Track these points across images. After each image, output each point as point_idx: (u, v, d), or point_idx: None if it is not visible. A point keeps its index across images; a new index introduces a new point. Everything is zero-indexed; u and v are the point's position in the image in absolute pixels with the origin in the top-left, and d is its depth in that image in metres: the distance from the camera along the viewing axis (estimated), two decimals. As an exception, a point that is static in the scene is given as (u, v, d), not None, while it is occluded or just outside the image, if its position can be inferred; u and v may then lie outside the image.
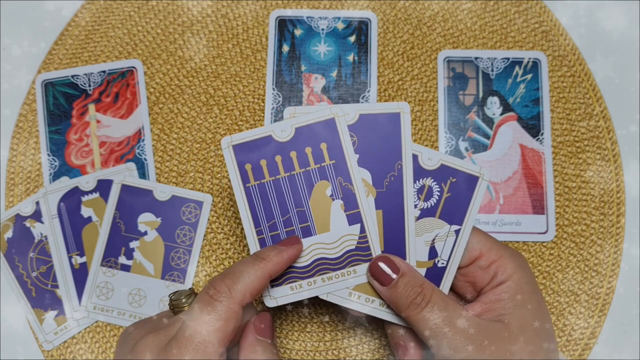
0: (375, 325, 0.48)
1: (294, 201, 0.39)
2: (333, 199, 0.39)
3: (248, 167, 0.39)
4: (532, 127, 0.51)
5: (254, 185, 0.39)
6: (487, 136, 0.51)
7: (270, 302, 0.39)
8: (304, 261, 0.39)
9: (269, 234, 0.39)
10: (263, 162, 0.39)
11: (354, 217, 0.39)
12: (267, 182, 0.39)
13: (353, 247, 0.39)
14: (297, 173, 0.39)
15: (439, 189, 0.39)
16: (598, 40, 0.53)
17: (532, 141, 0.51)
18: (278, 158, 0.39)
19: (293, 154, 0.39)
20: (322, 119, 0.39)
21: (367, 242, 0.39)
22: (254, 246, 0.39)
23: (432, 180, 0.39)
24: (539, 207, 0.50)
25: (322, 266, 0.39)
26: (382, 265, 0.38)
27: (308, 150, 0.39)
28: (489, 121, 0.51)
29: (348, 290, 0.39)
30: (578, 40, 0.53)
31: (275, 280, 0.38)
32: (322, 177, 0.39)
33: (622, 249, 0.50)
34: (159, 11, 0.53)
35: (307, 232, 0.39)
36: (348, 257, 0.39)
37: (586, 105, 0.52)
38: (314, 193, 0.39)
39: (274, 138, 0.39)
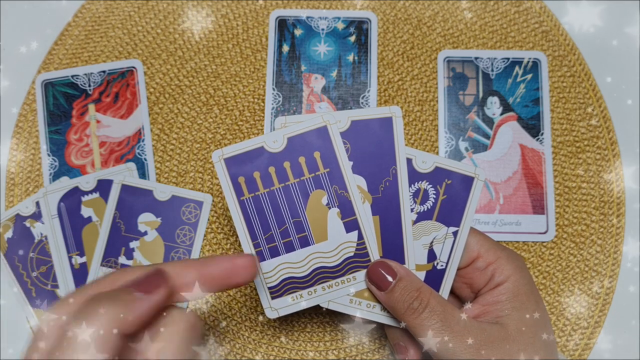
0: (375, 325, 0.48)
1: (290, 212, 0.38)
2: (329, 208, 0.38)
3: (241, 180, 0.38)
4: (532, 127, 0.51)
5: (249, 198, 0.38)
6: (487, 136, 0.51)
7: (271, 314, 0.38)
8: (303, 271, 0.38)
9: (267, 246, 0.38)
10: (256, 174, 0.38)
11: (351, 225, 0.38)
12: (261, 194, 0.38)
13: (352, 254, 0.38)
14: (291, 183, 0.38)
15: (434, 192, 0.39)
16: (598, 40, 0.53)
17: (532, 141, 0.51)
18: (271, 169, 0.38)
19: (287, 165, 0.38)
20: (314, 127, 0.38)
21: (365, 248, 0.38)
22: None
23: (427, 183, 0.39)
24: (539, 207, 0.50)
25: (322, 275, 0.38)
26: (379, 269, 0.37)
27: (302, 159, 0.38)
28: (489, 121, 0.51)
29: (349, 297, 0.39)
30: (578, 40, 0.53)
31: (276, 292, 0.38)
32: (317, 186, 0.38)
33: (622, 249, 0.50)
34: (159, 11, 0.53)
35: (305, 242, 0.38)
36: (347, 265, 0.38)
37: (586, 105, 0.52)
38: (310, 202, 0.38)
39: (266, 149, 0.38)
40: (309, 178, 0.38)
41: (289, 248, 0.38)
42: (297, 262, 0.38)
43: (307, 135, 0.38)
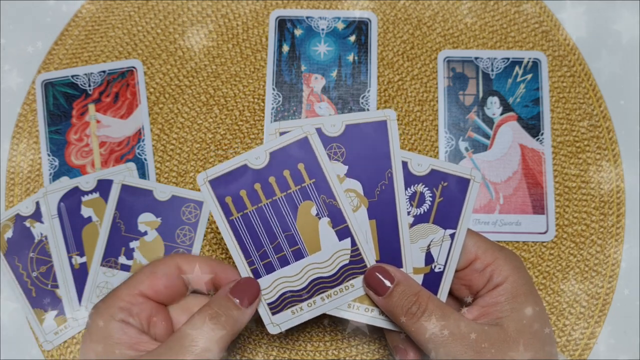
0: (376, 329, 0.48)
1: (280, 226, 0.38)
2: (319, 218, 0.38)
3: (228, 199, 0.38)
4: (532, 127, 0.51)
5: (238, 217, 0.38)
6: (487, 136, 0.51)
7: (273, 330, 0.38)
8: (300, 284, 0.38)
9: (261, 263, 0.38)
10: (243, 193, 0.38)
11: (343, 232, 0.38)
12: (250, 212, 0.38)
13: (347, 261, 0.38)
14: (279, 198, 0.38)
15: (430, 194, 0.39)
16: (598, 40, 0.53)
17: (532, 141, 0.51)
18: (257, 186, 0.38)
19: (272, 180, 0.38)
20: (295, 139, 0.38)
21: (360, 254, 0.38)
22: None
23: (424, 186, 0.39)
24: (539, 207, 0.50)
25: (319, 285, 0.38)
26: (377, 275, 0.37)
27: (286, 173, 0.38)
28: (489, 121, 0.51)
29: (347, 302, 0.39)
30: (578, 40, 0.53)
31: (275, 307, 0.38)
32: (305, 198, 0.38)
33: (622, 249, 0.50)
34: (159, 11, 0.53)
35: (299, 255, 0.38)
36: (343, 273, 0.38)
37: (586, 105, 0.52)
38: (299, 215, 0.38)
39: (250, 166, 0.38)
40: (296, 190, 0.38)
41: (284, 262, 0.38)
42: (293, 275, 0.38)
43: (289, 148, 0.38)
